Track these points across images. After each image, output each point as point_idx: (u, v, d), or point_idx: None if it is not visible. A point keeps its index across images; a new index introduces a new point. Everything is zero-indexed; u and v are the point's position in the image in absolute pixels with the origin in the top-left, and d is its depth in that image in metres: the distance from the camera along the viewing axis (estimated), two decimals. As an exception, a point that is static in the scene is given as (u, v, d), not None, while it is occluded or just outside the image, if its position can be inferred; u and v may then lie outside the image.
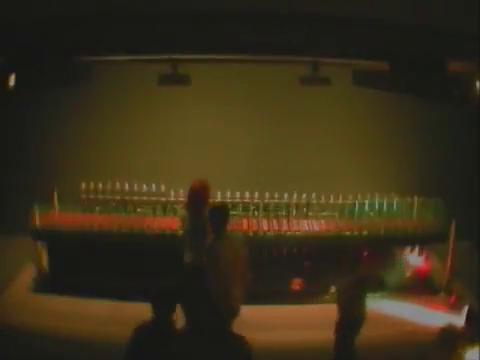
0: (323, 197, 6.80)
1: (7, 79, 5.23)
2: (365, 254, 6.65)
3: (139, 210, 6.81)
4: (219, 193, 6.64)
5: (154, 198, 6.77)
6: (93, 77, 6.50)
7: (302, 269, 6.60)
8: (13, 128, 7.69)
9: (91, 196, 6.69)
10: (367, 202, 6.87)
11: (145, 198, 6.78)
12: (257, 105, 7.96)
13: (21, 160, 7.73)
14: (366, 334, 5.76)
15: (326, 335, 5.54)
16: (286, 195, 6.77)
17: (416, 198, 6.88)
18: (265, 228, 6.57)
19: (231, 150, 7.93)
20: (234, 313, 4.73)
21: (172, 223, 6.37)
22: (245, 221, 6.65)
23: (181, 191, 6.60)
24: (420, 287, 6.76)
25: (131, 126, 7.92)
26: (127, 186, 6.73)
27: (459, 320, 6.07)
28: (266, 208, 6.74)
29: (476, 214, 7.07)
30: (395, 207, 6.91)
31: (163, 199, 6.76)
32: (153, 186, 6.79)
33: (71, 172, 7.27)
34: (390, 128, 7.98)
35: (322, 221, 6.73)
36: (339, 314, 5.23)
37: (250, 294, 5.04)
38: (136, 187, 6.79)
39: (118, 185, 6.71)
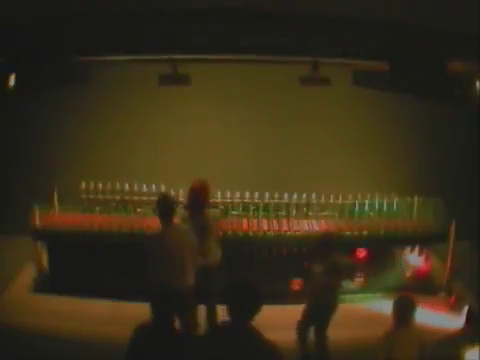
0: (323, 197, 6.80)
1: (7, 79, 5.23)
2: (361, 253, 6.67)
3: (139, 210, 6.82)
4: (219, 193, 6.64)
5: (154, 198, 6.77)
6: (93, 77, 6.50)
7: (302, 269, 6.60)
8: (13, 128, 7.69)
9: (91, 196, 6.69)
10: (367, 202, 6.87)
11: (145, 198, 6.78)
12: (257, 105, 7.97)
13: (21, 160, 7.73)
14: (366, 334, 5.78)
15: (330, 335, 5.55)
16: (286, 195, 6.76)
17: (416, 198, 6.88)
18: (265, 228, 6.57)
19: (231, 150, 7.93)
20: (184, 303, 4.83)
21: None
22: (245, 221, 6.65)
23: (181, 191, 6.60)
24: (420, 287, 6.76)
25: (131, 126, 7.92)
26: (127, 186, 6.73)
27: (459, 320, 6.08)
28: (266, 208, 6.74)
29: (476, 214, 7.07)
30: (395, 207, 6.91)
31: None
32: (153, 186, 6.79)
33: (71, 172, 7.27)
34: (390, 128, 7.98)
35: (322, 221, 6.73)
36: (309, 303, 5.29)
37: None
38: (136, 187, 6.79)
39: (118, 185, 6.71)
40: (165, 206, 5.17)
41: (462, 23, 4.80)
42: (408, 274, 6.90)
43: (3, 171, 7.41)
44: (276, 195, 6.77)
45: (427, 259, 7.02)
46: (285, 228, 6.59)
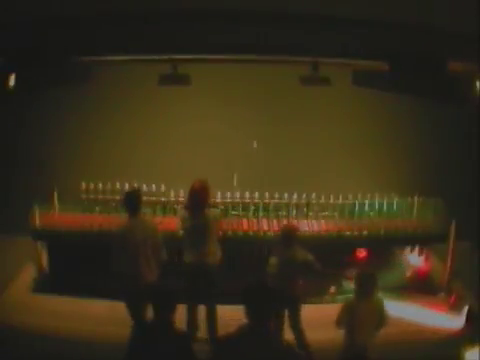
0: (323, 197, 6.80)
1: (7, 79, 5.23)
2: (361, 253, 6.68)
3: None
4: (219, 193, 6.64)
5: (154, 198, 6.77)
6: (93, 77, 6.50)
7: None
8: (13, 128, 7.69)
9: (91, 196, 6.68)
10: (367, 202, 6.87)
11: (145, 198, 6.76)
12: (257, 105, 7.97)
13: (21, 160, 7.73)
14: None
15: (326, 335, 5.55)
16: (286, 195, 6.77)
17: (416, 198, 6.88)
18: (265, 228, 6.57)
19: (231, 150, 7.92)
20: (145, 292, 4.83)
21: (172, 223, 6.36)
22: (245, 221, 6.65)
23: (181, 191, 6.60)
24: (420, 287, 6.76)
25: (131, 126, 7.92)
26: (127, 186, 6.73)
27: (459, 320, 6.08)
28: (266, 208, 6.74)
29: (476, 214, 7.07)
30: (395, 207, 6.91)
31: (163, 199, 6.76)
32: (153, 186, 6.79)
33: (71, 172, 7.27)
34: (390, 128, 7.98)
35: (322, 221, 6.73)
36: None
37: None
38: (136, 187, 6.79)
39: (118, 185, 6.70)
40: (132, 200, 5.26)
41: (462, 23, 4.80)
42: (408, 274, 6.90)
43: (3, 171, 7.41)
44: (276, 195, 6.77)
45: (427, 259, 7.02)
46: (285, 228, 6.59)
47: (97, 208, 6.74)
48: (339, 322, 4.70)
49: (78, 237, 6.39)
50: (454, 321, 6.12)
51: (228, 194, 6.72)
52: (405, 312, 6.27)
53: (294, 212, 6.74)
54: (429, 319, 6.18)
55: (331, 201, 6.80)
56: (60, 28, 5.22)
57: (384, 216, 6.87)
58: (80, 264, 6.42)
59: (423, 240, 6.82)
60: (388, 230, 6.63)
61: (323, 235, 6.55)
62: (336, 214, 6.80)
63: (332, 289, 6.61)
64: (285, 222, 6.40)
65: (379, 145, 8.05)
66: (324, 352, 5.49)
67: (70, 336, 5.61)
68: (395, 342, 5.70)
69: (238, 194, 6.73)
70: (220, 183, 6.37)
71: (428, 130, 7.80)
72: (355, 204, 6.82)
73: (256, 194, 6.74)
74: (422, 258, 6.99)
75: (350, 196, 6.84)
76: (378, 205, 6.88)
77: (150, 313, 3.71)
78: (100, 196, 6.71)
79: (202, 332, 5.61)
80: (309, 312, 5.55)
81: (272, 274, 5.23)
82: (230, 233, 6.44)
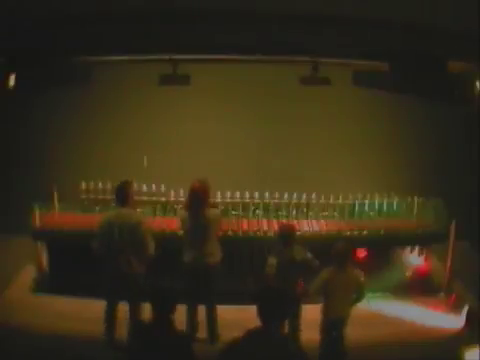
0: (323, 197, 6.80)
1: (7, 79, 5.23)
2: (361, 253, 6.67)
3: (139, 210, 6.81)
4: (219, 193, 6.64)
5: (154, 198, 6.78)
6: (93, 77, 6.50)
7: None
8: (13, 128, 7.69)
9: (91, 196, 6.68)
10: (367, 202, 6.87)
11: (145, 198, 6.78)
12: (257, 105, 7.97)
13: (21, 160, 7.73)
14: (366, 334, 5.78)
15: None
16: (286, 195, 6.77)
17: (416, 198, 6.88)
18: (265, 228, 6.57)
19: (231, 150, 7.93)
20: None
21: (172, 223, 6.37)
22: (245, 221, 6.65)
23: (181, 191, 6.60)
24: (420, 287, 6.76)
25: (131, 126, 7.92)
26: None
27: (459, 320, 6.08)
28: (266, 208, 6.73)
29: (476, 214, 7.07)
30: (395, 207, 6.91)
31: (163, 199, 6.76)
32: (153, 186, 6.79)
33: (71, 172, 7.27)
34: (390, 128, 7.98)
35: (322, 221, 6.73)
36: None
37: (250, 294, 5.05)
38: (136, 187, 6.78)
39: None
40: (121, 192, 5.35)
41: (462, 23, 4.80)
42: (408, 274, 6.90)
43: (3, 171, 7.41)
44: (276, 195, 6.77)
45: (427, 259, 7.02)
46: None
47: (97, 208, 6.74)
48: (314, 291, 5.01)
49: (78, 237, 6.39)
50: (454, 321, 6.12)
51: (228, 194, 6.72)
52: (405, 312, 6.27)
53: (294, 212, 6.75)
54: (429, 319, 6.18)
55: (331, 201, 6.81)
56: (60, 28, 5.22)
57: (384, 216, 6.87)
58: (80, 264, 6.41)
59: (423, 240, 6.81)
60: (388, 230, 6.63)
61: (323, 235, 6.55)
62: (336, 214, 6.81)
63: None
64: (285, 222, 6.40)
65: (379, 145, 8.05)
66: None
67: (70, 336, 5.61)
68: (395, 342, 5.71)
69: (238, 194, 6.73)
70: (220, 183, 6.36)
71: (428, 130, 7.80)
72: (355, 204, 6.83)
73: (256, 194, 6.74)
74: (422, 258, 6.99)
75: (350, 196, 6.84)
76: (378, 205, 6.88)
77: (150, 313, 3.71)
78: (100, 196, 6.71)
79: (202, 332, 5.61)
80: (309, 312, 5.55)
81: (271, 274, 5.22)
82: (230, 233, 6.44)
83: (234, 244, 6.36)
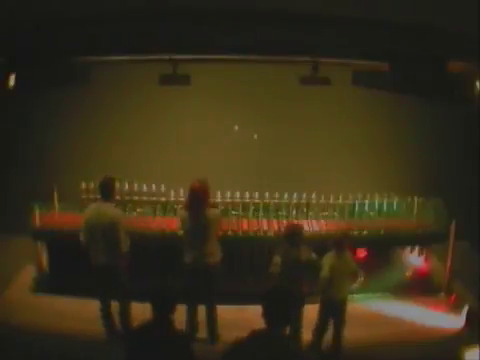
0: (323, 197, 6.80)
1: (7, 79, 5.23)
2: (361, 253, 6.67)
3: (139, 210, 6.82)
4: (219, 193, 6.64)
5: (154, 198, 6.78)
6: (93, 77, 6.50)
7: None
8: (13, 128, 7.69)
9: (91, 196, 6.68)
10: (367, 202, 6.87)
11: (145, 198, 6.78)
12: (257, 105, 7.97)
13: (21, 160, 7.73)
14: (366, 334, 5.78)
15: (326, 335, 5.56)
16: (286, 195, 6.77)
17: (416, 198, 6.88)
18: (265, 228, 6.57)
19: (231, 150, 7.93)
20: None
21: (172, 223, 6.37)
22: (245, 221, 6.65)
23: (181, 191, 6.60)
24: (420, 287, 6.76)
25: (131, 126, 7.93)
26: (127, 186, 6.73)
27: (459, 320, 6.08)
28: (266, 208, 6.73)
29: (476, 214, 7.07)
30: (395, 207, 6.91)
31: (163, 199, 6.76)
32: (153, 186, 6.79)
33: (71, 172, 7.27)
34: (390, 128, 7.99)
35: (322, 221, 6.73)
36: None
37: (251, 294, 5.06)
38: (136, 187, 6.79)
39: (118, 185, 6.70)
40: (104, 187, 5.50)
41: (462, 23, 4.80)
42: (408, 274, 6.90)
43: (3, 171, 7.41)
44: (276, 195, 6.77)
45: (427, 259, 7.02)
46: (285, 228, 6.59)
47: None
48: (325, 278, 5.27)
49: (78, 237, 6.38)
50: (454, 321, 6.12)
51: (228, 194, 6.72)
52: (405, 312, 6.27)
53: (294, 212, 6.74)
54: (429, 319, 6.18)
55: (331, 201, 6.81)
56: (60, 28, 5.22)
57: (384, 216, 6.87)
58: (80, 264, 6.40)
59: (423, 240, 6.81)
60: (388, 230, 6.63)
61: (323, 235, 6.55)
62: (336, 214, 6.80)
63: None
64: (285, 222, 6.40)
65: (379, 145, 8.05)
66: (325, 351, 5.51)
67: (70, 336, 5.61)
68: (395, 342, 5.71)
69: (238, 194, 6.73)
70: (220, 183, 6.36)
71: (428, 130, 7.80)
72: (355, 204, 6.82)
73: (256, 194, 6.73)
74: (422, 258, 6.99)
75: (350, 196, 6.84)
76: (378, 205, 6.88)
77: (150, 313, 3.71)
78: (97, 196, 6.70)
79: (202, 332, 5.61)
80: (310, 312, 5.55)
81: (275, 273, 5.21)
82: (230, 233, 6.44)
83: (234, 244, 6.36)
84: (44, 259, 6.79)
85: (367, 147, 8.03)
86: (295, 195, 6.77)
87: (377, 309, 6.37)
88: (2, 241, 7.10)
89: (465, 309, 6.09)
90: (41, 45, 5.23)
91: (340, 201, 6.79)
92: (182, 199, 6.42)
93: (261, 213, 6.70)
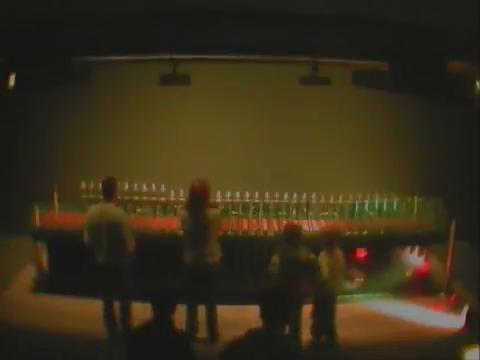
0: (323, 197, 6.79)
1: (7, 79, 5.23)
2: (361, 253, 6.68)
3: (139, 210, 6.82)
4: (219, 193, 6.64)
5: (154, 198, 6.78)
6: (93, 77, 6.50)
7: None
8: (13, 128, 7.69)
9: (91, 196, 6.68)
10: (367, 202, 6.87)
11: (145, 198, 6.78)
12: (257, 105, 7.97)
13: (21, 160, 7.73)
14: (366, 334, 5.78)
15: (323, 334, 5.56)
16: (286, 195, 6.76)
17: (416, 198, 6.88)
18: (265, 228, 6.57)
19: (231, 150, 7.93)
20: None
21: (172, 223, 6.37)
22: (245, 221, 6.65)
23: (181, 191, 6.60)
24: (420, 287, 6.76)
25: (131, 126, 7.92)
26: (127, 186, 6.73)
27: (459, 320, 6.08)
28: (266, 208, 6.73)
29: (476, 214, 7.07)
30: (395, 207, 6.91)
31: (163, 199, 6.76)
32: (153, 186, 6.79)
33: (71, 172, 7.27)
34: (390, 128, 7.98)
35: (322, 221, 6.72)
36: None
37: (251, 294, 5.06)
38: (136, 187, 6.79)
39: (118, 185, 6.70)
40: (106, 187, 5.52)
41: (462, 23, 4.80)
42: (408, 274, 6.89)
43: (3, 171, 7.41)
44: (276, 195, 6.77)
45: (427, 259, 7.02)
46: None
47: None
48: (327, 276, 5.36)
49: (78, 237, 6.38)
50: (454, 321, 6.12)
51: (228, 194, 6.72)
52: (405, 312, 6.27)
53: (294, 212, 6.74)
54: (429, 319, 6.18)
55: (331, 201, 6.80)
56: (60, 28, 5.22)
57: (384, 216, 6.87)
58: (80, 264, 6.40)
59: (423, 240, 6.81)
60: (388, 230, 6.63)
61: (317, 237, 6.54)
62: (336, 214, 6.80)
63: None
64: (285, 222, 6.40)
65: (379, 145, 8.05)
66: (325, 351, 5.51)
67: (70, 336, 5.62)
68: (395, 342, 5.71)
69: (238, 194, 6.72)
70: (220, 183, 6.36)
71: (428, 130, 7.80)
72: (355, 204, 6.82)
73: (256, 194, 6.73)
74: (422, 258, 6.98)
75: (350, 196, 6.84)
76: (378, 205, 6.88)
77: (150, 313, 3.71)
78: (100, 196, 6.69)
79: (202, 332, 5.61)
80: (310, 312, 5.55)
81: (273, 273, 5.22)
82: (230, 233, 6.44)
83: (234, 244, 6.36)
84: (44, 259, 6.79)
85: (367, 147, 8.03)
86: (295, 195, 6.77)
87: (377, 309, 6.37)
88: (2, 241, 7.10)
89: (465, 309, 6.09)
90: (41, 45, 5.22)
91: (340, 201, 6.79)
92: (182, 199, 6.43)
93: (261, 213, 6.70)
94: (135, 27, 5.22)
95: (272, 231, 6.50)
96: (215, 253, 5.49)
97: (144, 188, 6.78)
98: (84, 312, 6.03)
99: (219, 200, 6.63)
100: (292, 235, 5.34)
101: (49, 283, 6.66)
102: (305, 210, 6.77)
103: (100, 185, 5.67)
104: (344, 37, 5.30)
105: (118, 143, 7.89)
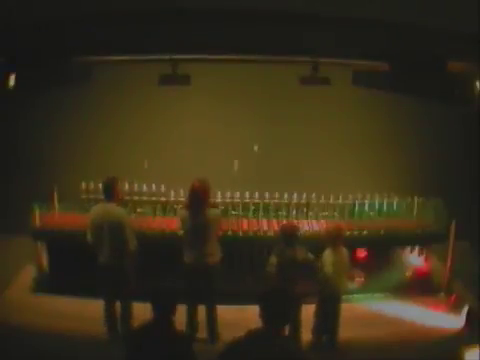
0: (323, 197, 6.80)
1: (7, 79, 5.23)
2: (361, 253, 6.67)
3: (139, 210, 6.82)
4: (219, 193, 6.64)
5: (154, 198, 6.78)
6: (93, 77, 6.50)
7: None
8: (13, 128, 7.69)
9: (91, 196, 6.68)
10: (367, 202, 6.87)
11: (145, 198, 6.78)
12: (257, 105, 7.98)
13: (21, 160, 7.73)
14: (366, 334, 5.78)
15: (325, 333, 5.56)
16: (286, 195, 6.76)
17: (416, 198, 6.88)
18: (265, 228, 6.57)
19: (231, 150, 7.93)
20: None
21: (172, 223, 6.37)
22: (245, 221, 6.65)
23: (181, 191, 6.60)
24: (420, 287, 6.76)
25: (131, 126, 7.93)
26: (127, 186, 6.73)
27: (459, 320, 6.08)
28: (266, 208, 6.73)
29: (476, 214, 7.07)
30: (395, 207, 6.91)
31: (163, 199, 6.76)
32: (153, 186, 6.79)
33: (71, 172, 7.27)
34: (390, 128, 7.98)
35: (322, 221, 6.72)
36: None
37: (251, 294, 5.06)
38: (136, 187, 6.79)
39: (120, 185, 6.69)
40: (107, 187, 5.53)
41: (462, 23, 4.80)
42: (408, 274, 6.89)
43: (3, 171, 7.40)
44: (276, 195, 6.77)
45: (427, 259, 7.02)
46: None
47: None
48: (331, 272, 5.41)
49: (78, 237, 6.38)
50: (454, 321, 6.12)
51: (228, 194, 6.72)
52: (405, 312, 6.27)
53: (294, 212, 6.74)
54: (429, 319, 6.18)
55: (331, 201, 6.80)
56: (61, 28, 5.22)
57: (384, 216, 6.87)
58: (80, 264, 6.41)
59: (423, 240, 6.81)
60: (388, 230, 6.63)
61: (322, 236, 6.54)
62: (336, 214, 6.80)
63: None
64: (287, 222, 6.40)
65: (379, 145, 8.05)
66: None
67: (70, 336, 5.61)
68: (395, 342, 5.71)
69: (238, 194, 6.72)
70: (220, 183, 6.36)
71: (428, 130, 7.80)
72: (355, 204, 6.82)
73: (256, 194, 6.73)
74: (422, 258, 6.98)
75: (350, 196, 6.84)
76: (378, 205, 6.88)
77: (150, 313, 3.71)
78: (100, 196, 6.69)
79: (202, 332, 5.61)
80: (310, 312, 5.55)
81: (271, 273, 5.23)
82: (230, 233, 6.44)
83: (234, 244, 6.36)
84: (44, 259, 6.79)
85: (367, 147, 8.03)
86: (295, 195, 6.77)
87: (377, 309, 6.37)
88: (2, 241, 7.10)
89: (465, 309, 6.09)
90: (41, 45, 5.22)
91: (340, 201, 6.79)
92: (182, 199, 6.43)
93: (261, 213, 6.70)
94: (135, 27, 5.22)
95: (272, 231, 6.50)
96: (215, 253, 5.49)
97: (144, 188, 6.78)
98: (84, 312, 6.03)
99: (219, 200, 6.63)
100: (289, 235, 5.34)
101: (49, 283, 6.65)
102: (305, 210, 6.77)
103: (102, 185, 5.67)
104: (344, 37, 5.30)
105: (118, 143, 7.89)
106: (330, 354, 5.48)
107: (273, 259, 5.29)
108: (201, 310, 5.62)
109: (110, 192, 5.49)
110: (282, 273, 5.18)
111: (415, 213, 6.88)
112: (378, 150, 8.02)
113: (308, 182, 7.34)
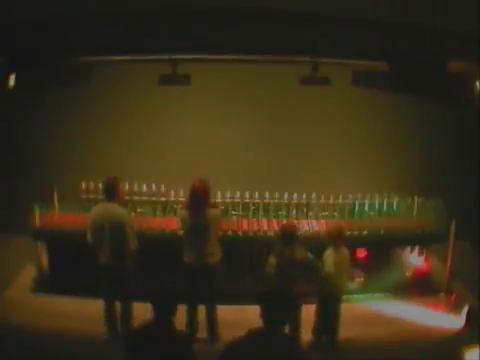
0: (323, 197, 6.80)
1: (7, 79, 5.23)
2: (361, 253, 6.68)
3: (139, 210, 6.82)
4: (219, 193, 6.64)
5: (154, 198, 6.78)
6: (93, 77, 6.50)
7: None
8: (13, 128, 7.69)
9: (91, 196, 6.68)
10: (367, 202, 6.87)
11: (145, 198, 6.78)
12: (257, 105, 7.97)
13: (21, 160, 7.73)
14: (366, 334, 5.78)
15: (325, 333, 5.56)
16: (286, 195, 6.76)
17: (416, 198, 6.88)
18: (265, 228, 6.57)
19: (231, 150, 7.93)
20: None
21: (172, 223, 6.37)
22: (245, 221, 6.65)
23: (181, 191, 6.60)
24: (420, 287, 6.76)
25: (131, 126, 7.92)
26: (127, 186, 6.73)
27: (459, 320, 6.08)
28: (266, 208, 6.73)
29: (476, 214, 7.07)
30: (395, 207, 6.91)
31: (163, 199, 6.76)
32: (153, 186, 6.79)
33: (71, 172, 7.27)
34: (390, 128, 7.98)
35: (322, 221, 6.72)
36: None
37: (251, 294, 5.06)
38: (136, 187, 6.79)
39: (121, 185, 6.69)
40: (108, 187, 5.54)
41: (462, 23, 4.80)
42: (408, 274, 6.90)
43: (3, 171, 7.40)
44: (276, 195, 6.77)
45: (427, 259, 7.02)
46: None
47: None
48: (332, 271, 5.42)
49: (78, 237, 6.38)
50: (454, 321, 6.12)
51: (228, 194, 6.72)
52: (405, 312, 6.27)
53: (294, 212, 6.74)
54: (429, 319, 6.18)
55: (331, 201, 6.81)
56: (60, 28, 5.22)
57: (384, 216, 6.87)
58: (80, 264, 6.41)
59: (423, 240, 6.82)
60: (388, 230, 6.63)
61: (323, 235, 6.54)
62: (336, 214, 6.80)
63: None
64: (286, 222, 6.40)
65: (379, 145, 8.05)
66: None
67: (70, 336, 5.61)
68: (395, 342, 5.71)
69: (238, 194, 6.73)
70: (220, 183, 6.36)
71: (428, 130, 7.80)
72: (355, 204, 6.83)
73: (256, 194, 6.73)
74: (422, 258, 6.99)
75: (350, 196, 6.84)
76: (378, 205, 6.88)
77: (150, 313, 3.71)
78: (100, 196, 6.69)
79: (202, 332, 5.61)
80: (310, 312, 5.55)
81: (270, 273, 5.23)
82: (230, 233, 6.44)
83: (234, 244, 6.36)
84: (44, 259, 6.80)
85: (367, 147, 8.03)
86: (295, 195, 6.77)
87: (377, 309, 6.37)
88: (2, 241, 7.10)
89: (465, 309, 6.09)
90: (41, 45, 5.22)
91: (340, 201, 6.79)
92: (182, 199, 6.43)
93: (261, 213, 6.70)
94: (135, 27, 5.22)
95: (272, 231, 6.50)
96: (215, 253, 5.49)
97: (144, 188, 6.78)
98: (84, 312, 6.03)
99: (219, 200, 6.63)
100: (288, 235, 5.34)
101: (49, 283, 6.66)
102: (305, 210, 6.78)
103: (103, 185, 5.67)
104: (344, 37, 5.30)
105: (118, 143, 7.89)
106: (330, 354, 5.48)
107: (272, 259, 5.29)
108: (201, 310, 5.62)
109: (111, 192, 5.49)
110: (281, 273, 5.18)
111: (415, 213, 6.88)
112: (378, 150, 8.01)
113: (308, 182, 7.34)
